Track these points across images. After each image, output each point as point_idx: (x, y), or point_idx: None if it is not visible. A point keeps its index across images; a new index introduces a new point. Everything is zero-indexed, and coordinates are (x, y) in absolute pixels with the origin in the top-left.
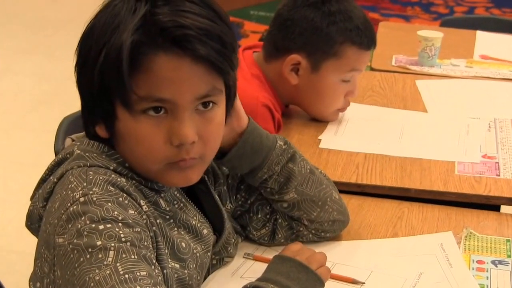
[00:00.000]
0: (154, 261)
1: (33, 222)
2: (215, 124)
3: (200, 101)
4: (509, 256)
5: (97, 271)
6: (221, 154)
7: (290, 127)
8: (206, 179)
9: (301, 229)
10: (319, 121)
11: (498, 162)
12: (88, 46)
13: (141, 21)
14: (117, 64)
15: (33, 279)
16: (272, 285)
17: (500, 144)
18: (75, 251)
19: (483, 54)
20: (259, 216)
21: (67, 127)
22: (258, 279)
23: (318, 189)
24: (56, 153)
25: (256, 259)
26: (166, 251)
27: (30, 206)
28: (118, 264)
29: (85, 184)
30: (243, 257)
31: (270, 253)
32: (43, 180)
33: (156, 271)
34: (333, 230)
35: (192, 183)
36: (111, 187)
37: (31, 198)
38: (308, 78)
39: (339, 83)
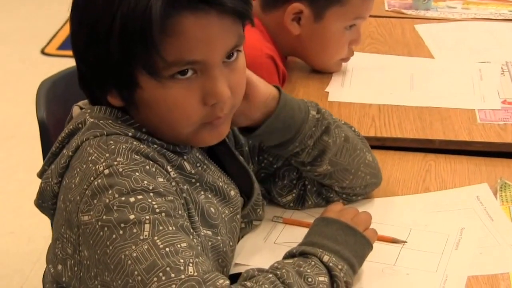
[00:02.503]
0: (191, 230)
1: (46, 200)
2: (241, 71)
3: (228, 53)
4: None
5: (133, 247)
6: (246, 128)
7: (293, 80)
8: (227, 140)
9: (331, 195)
10: (322, 73)
11: None
12: (93, 14)
13: None
14: (142, 32)
15: (52, 261)
16: (320, 250)
17: None
18: (105, 228)
19: None
20: (285, 182)
21: (48, 92)
22: (303, 243)
23: (352, 157)
24: (40, 121)
25: (286, 222)
26: (197, 218)
27: (41, 183)
28: (156, 238)
29: (107, 154)
30: (272, 220)
31: (299, 215)
32: (54, 154)
33: (195, 240)
34: (365, 193)
35: (223, 138)
36: (136, 155)
37: (40, 175)
38: (311, 28)
39: (343, 31)
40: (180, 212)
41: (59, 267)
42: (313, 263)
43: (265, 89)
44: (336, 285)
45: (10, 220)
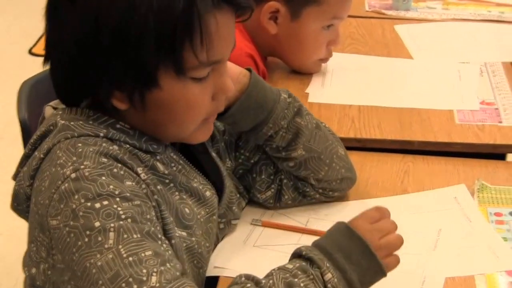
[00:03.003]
0: (159, 235)
1: (20, 203)
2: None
3: None
4: None
5: (98, 255)
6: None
7: (273, 81)
8: None
9: (307, 189)
10: (302, 74)
11: (497, 108)
12: (115, 17)
13: None
14: (181, 32)
15: (27, 264)
16: (327, 264)
17: (496, 90)
18: (72, 234)
19: None
20: (263, 177)
21: (30, 92)
22: (317, 245)
23: (325, 145)
24: (22, 122)
25: (264, 225)
26: (171, 219)
27: (15, 186)
28: (120, 246)
29: (74, 158)
30: (251, 223)
31: (278, 218)
32: (26, 156)
33: (164, 245)
34: (341, 188)
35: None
36: (103, 158)
37: (14, 177)
38: (288, 27)
39: (320, 31)
40: (148, 216)
41: (33, 270)
42: (312, 276)
43: (235, 66)
44: None
45: None
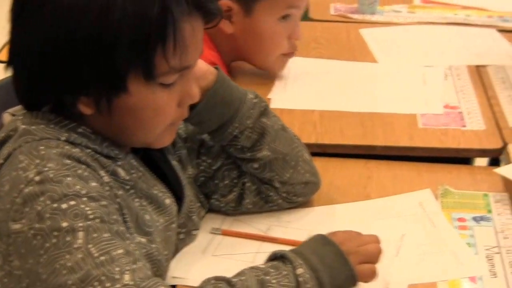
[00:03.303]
0: (127, 235)
1: None
2: None
3: None
4: (489, 211)
5: (67, 256)
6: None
7: None
8: None
9: (271, 193)
10: (265, 79)
11: (461, 112)
12: (87, 23)
13: None
14: (154, 38)
15: None
16: (300, 261)
17: (460, 93)
18: (38, 237)
19: None
20: (226, 182)
21: None
22: (291, 250)
23: (291, 147)
24: None
25: (224, 233)
26: (132, 224)
27: None
28: (90, 246)
29: (38, 161)
30: (211, 232)
31: (238, 226)
32: None
33: (132, 245)
34: (305, 193)
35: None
36: (67, 160)
37: None
38: (243, 24)
39: (277, 23)
40: (114, 217)
41: None
42: (285, 272)
43: (202, 63)
44: None
45: None
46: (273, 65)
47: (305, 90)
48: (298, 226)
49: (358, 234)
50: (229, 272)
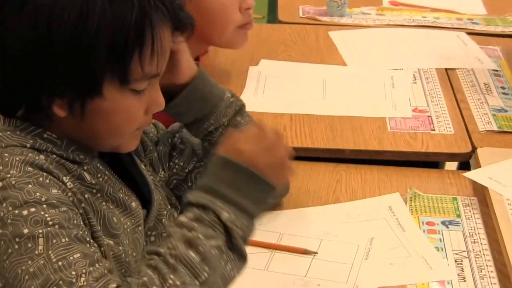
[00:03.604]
0: (88, 238)
1: None
2: None
3: None
4: (458, 216)
5: (29, 262)
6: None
7: None
8: None
9: None
10: (235, 82)
11: (430, 116)
12: (66, 27)
13: None
14: (132, 44)
15: None
16: (219, 203)
17: (429, 96)
18: (1, 242)
19: (392, 0)
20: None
21: None
22: (202, 188)
23: None
24: None
25: None
26: (99, 227)
27: None
28: (50, 252)
29: (1, 167)
30: None
31: None
32: None
33: (93, 248)
34: (275, 194)
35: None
36: (29, 168)
37: None
38: (191, 4)
39: None
40: (74, 222)
41: None
42: (208, 223)
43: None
44: (232, 244)
45: None
46: (232, 41)
47: (275, 93)
48: (268, 228)
49: (260, 132)
50: None
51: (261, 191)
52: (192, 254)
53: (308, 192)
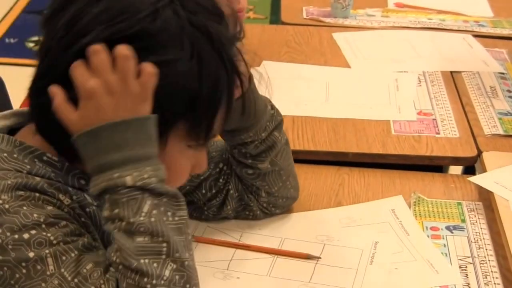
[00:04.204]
0: (93, 243)
1: None
2: None
3: None
4: (463, 221)
5: (43, 284)
6: None
7: None
8: None
9: (251, 204)
10: None
11: (435, 119)
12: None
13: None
14: (224, 105)
15: None
16: (115, 173)
17: (434, 99)
18: (5, 268)
19: (398, 2)
20: (213, 191)
21: None
22: (93, 174)
23: (288, 162)
24: None
25: (197, 240)
26: (99, 241)
27: None
28: (62, 270)
29: None
30: None
31: (211, 233)
32: None
33: (101, 251)
34: (284, 206)
35: None
36: (20, 192)
37: None
38: None
39: None
40: (76, 232)
41: None
42: (124, 199)
43: None
44: (158, 194)
45: None
46: None
47: (277, 95)
48: (270, 233)
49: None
50: (202, 280)
51: (139, 130)
52: (139, 239)
53: (310, 196)
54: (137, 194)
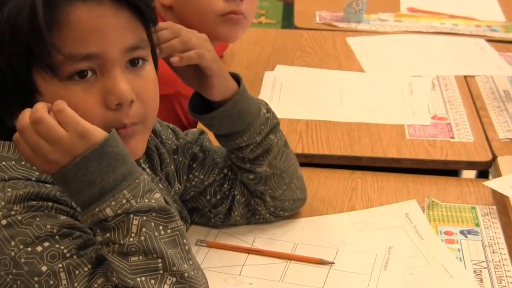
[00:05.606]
0: None
1: None
2: (150, 81)
3: (130, 55)
4: (477, 225)
5: None
6: (201, 108)
7: None
8: (141, 162)
9: (259, 208)
10: (251, 87)
11: (449, 123)
12: None
13: None
14: (32, 26)
15: None
16: (96, 209)
17: (448, 104)
18: (18, 282)
19: (410, 6)
20: (218, 197)
21: None
22: (81, 207)
23: (289, 164)
24: None
25: (210, 245)
26: None
27: None
28: (76, 284)
29: (3, 203)
30: (196, 244)
31: (223, 238)
32: None
33: None
34: (292, 208)
35: (138, 155)
36: (32, 202)
37: None
38: None
39: None
40: (90, 242)
41: None
42: (112, 225)
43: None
44: (143, 212)
45: None
46: (216, 32)
47: (291, 99)
48: (283, 238)
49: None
50: (214, 286)
51: (95, 162)
52: (133, 259)
53: (323, 200)
54: (123, 218)
